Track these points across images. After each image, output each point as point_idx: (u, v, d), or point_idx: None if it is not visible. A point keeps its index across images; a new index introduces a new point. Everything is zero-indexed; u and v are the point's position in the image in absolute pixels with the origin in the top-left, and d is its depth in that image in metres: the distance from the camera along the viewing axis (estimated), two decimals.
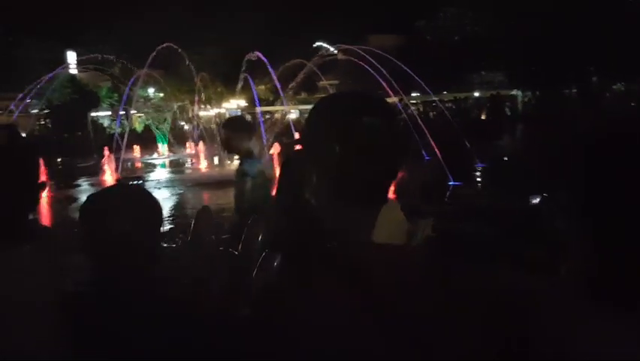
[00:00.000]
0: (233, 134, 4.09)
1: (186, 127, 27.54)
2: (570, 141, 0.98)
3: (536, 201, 5.89)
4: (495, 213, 7.11)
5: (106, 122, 37.87)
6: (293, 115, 24.98)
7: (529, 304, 0.93)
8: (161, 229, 1.72)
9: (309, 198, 1.14)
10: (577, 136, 0.98)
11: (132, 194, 1.68)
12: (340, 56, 22.62)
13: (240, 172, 4.04)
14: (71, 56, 37.02)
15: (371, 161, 1.07)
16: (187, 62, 20.37)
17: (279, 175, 2.43)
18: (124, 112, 26.56)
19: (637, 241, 0.87)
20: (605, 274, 0.90)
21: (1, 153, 1.53)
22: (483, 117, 26.77)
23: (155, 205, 1.67)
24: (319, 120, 1.14)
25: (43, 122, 35.08)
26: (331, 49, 22.78)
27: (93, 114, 37.11)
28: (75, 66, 35.69)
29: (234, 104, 33.66)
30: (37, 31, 21.66)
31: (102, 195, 1.66)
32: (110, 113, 37.51)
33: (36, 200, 1.60)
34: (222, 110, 38.39)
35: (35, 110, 29.57)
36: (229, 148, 4.23)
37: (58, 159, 21.34)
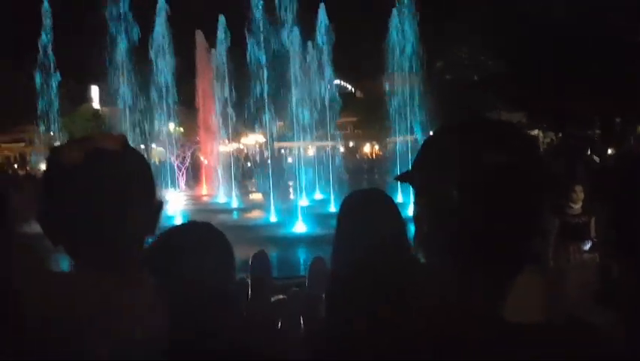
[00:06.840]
0: None
1: (205, 162, 27.63)
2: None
3: (587, 247, 5.69)
4: None
5: None
6: (310, 152, 24.96)
7: None
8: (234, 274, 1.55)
9: (417, 253, 0.94)
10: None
11: (205, 233, 1.51)
12: (359, 94, 22.72)
13: None
14: (94, 91, 37.88)
15: (501, 213, 0.84)
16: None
17: (337, 226, 1.96)
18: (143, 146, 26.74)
19: None
20: None
21: (116, 161, 1.11)
22: None
23: (229, 246, 1.53)
24: (436, 156, 0.93)
25: None
26: (349, 87, 22.90)
27: None
28: (98, 101, 36.48)
29: (252, 140, 33.84)
30: (59, 65, 22.26)
31: (172, 235, 1.48)
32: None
33: (154, 222, 1.23)
34: (241, 146, 38.51)
35: (57, 143, 30.06)
36: None
37: None
